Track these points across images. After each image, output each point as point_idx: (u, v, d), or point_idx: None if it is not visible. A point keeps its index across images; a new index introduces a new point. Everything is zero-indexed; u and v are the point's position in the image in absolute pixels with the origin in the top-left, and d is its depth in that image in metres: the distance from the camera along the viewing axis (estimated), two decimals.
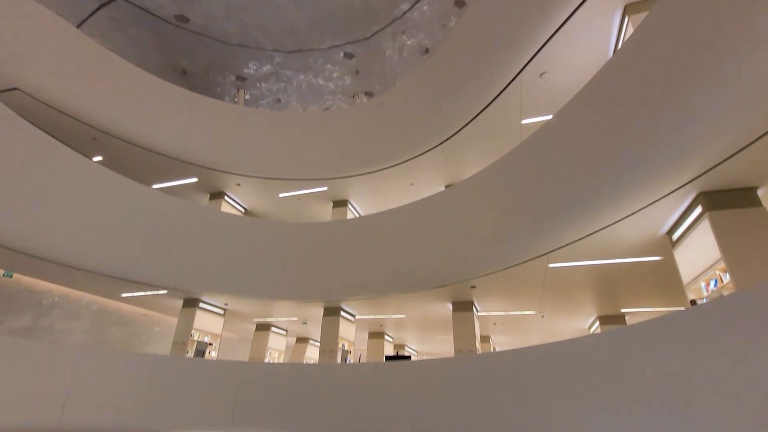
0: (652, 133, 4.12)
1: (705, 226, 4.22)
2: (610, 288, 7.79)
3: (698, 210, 4.27)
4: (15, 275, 8.71)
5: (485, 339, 13.27)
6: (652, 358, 3.54)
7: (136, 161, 9.95)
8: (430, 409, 6.30)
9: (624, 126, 4.52)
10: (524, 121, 8.26)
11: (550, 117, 6.07)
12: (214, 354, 9.82)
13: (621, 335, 4.07)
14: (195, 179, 10.82)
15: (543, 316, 9.70)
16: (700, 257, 4.50)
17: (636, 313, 9.27)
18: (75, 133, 8.89)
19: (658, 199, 4.38)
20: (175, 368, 7.88)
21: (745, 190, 4.12)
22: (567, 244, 5.63)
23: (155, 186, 10.61)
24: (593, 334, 4.57)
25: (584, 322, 10.53)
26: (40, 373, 6.38)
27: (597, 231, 5.14)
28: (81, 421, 6.49)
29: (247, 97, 16.34)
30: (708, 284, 4.32)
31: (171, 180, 10.83)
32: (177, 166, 10.21)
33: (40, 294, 9.27)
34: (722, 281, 4.04)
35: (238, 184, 11.14)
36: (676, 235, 4.95)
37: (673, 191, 4.21)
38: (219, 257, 8.90)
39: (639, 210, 4.60)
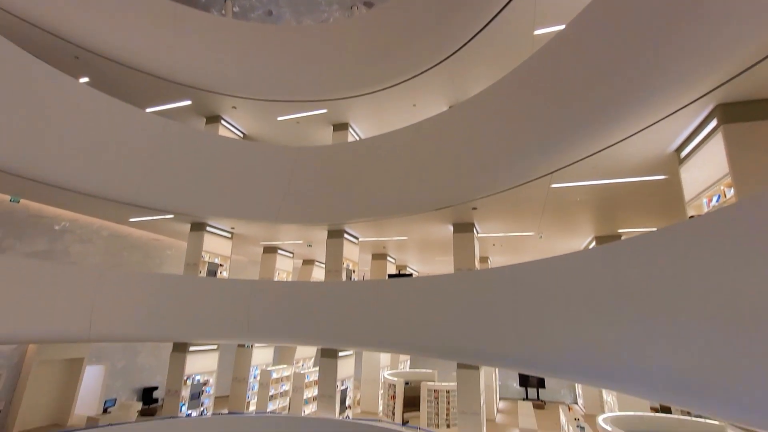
0: (671, 43, 3.82)
1: (717, 141, 4.10)
2: (610, 208, 7.87)
3: (713, 123, 4.11)
4: (22, 201, 8.83)
5: (484, 260, 13.83)
6: (644, 271, 3.67)
7: (123, 83, 9.47)
8: (430, 322, 6.78)
9: (641, 35, 4.18)
10: (537, 32, 7.61)
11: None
12: (225, 274, 10.34)
13: (615, 249, 4.18)
14: (188, 101, 10.39)
15: (541, 237, 9.97)
16: (706, 175, 4.44)
17: (633, 233, 9.50)
18: (54, 52, 8.32)
19: (674, 112, 4.19)
20: (190, 286, 8.36)
21: (765, 102, 3.92)
22: (571, 164, 5.53)
23: (148, 110, 10.22)
24: (586, 249, 4.69)
25: (581, 243, 10.84)
26: (67, 291, 6.78)
27: (604, 149, 5.02)
28: (109, 332, 7.07)
29: (236, 9, 14.97)
30: (710, 200, 4.32)
31: (163, 103, 10.41)
32: (167, 87, 9.72)
33: (50, 219, 9.49)
34: (725, 196, 4.03)
35: (234, 107, 10.72)
36: (684, 153, 4.83)
37: (691, 103, 4.01)
38: (222, 182, 8.91)
39: (652, 124, 4.42)
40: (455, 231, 9.07)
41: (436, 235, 10.12)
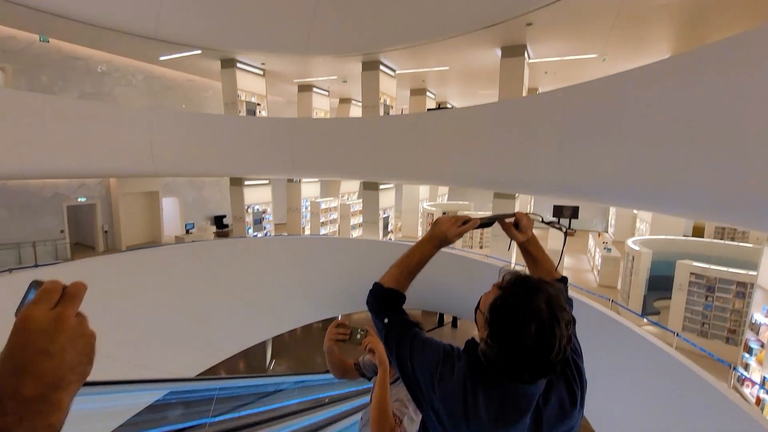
0: None
1: None
2: (700, 14, 6.43)
3: None
4: (52, 41, 8.68)
5: (532, 91, 12.66)
6: (700, 91, 3.14)
7: None
8: (471, 153, 6.73)
9: None
10: None
11: None
12: (264, 113, 10.40)
13: (694, 58, 3.53)
14: None
15: (604, 60, 8.68)
16: None
17: None
18: None
19: None
20: (234, 124, 8.61)
21: None
22: None
23: None
24: (658, 61, 3.97)
25: None
26: (127, 129, 7.17)
27: None
28: (170, 167, 7.78)
29: None
30: None
31: None
32: None
33: (84, 61, 9.44)
34: None
35: None
36: None
37: None
38: (243, 8, 8.03)
39: None
40: (503, 56, 8.06)
41: (481, 62, 9.11)
